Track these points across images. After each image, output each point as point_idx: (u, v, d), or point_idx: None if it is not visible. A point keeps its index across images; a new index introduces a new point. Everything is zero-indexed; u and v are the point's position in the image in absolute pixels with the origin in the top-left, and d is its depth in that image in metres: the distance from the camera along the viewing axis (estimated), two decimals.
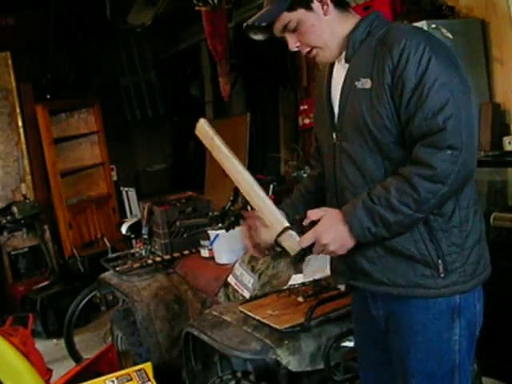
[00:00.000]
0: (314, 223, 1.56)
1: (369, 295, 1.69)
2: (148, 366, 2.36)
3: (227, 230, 2.82)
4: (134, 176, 7.28)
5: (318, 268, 2.42)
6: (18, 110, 5.60)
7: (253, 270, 2.66)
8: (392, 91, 1.51)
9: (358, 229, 1.51)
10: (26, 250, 5.51)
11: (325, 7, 1.61)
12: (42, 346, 3.95)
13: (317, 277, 2.36)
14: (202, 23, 4.68)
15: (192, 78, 7.38)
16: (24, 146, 5.64)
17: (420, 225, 1.53)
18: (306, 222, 1.59)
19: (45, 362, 2.91)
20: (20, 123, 5.62)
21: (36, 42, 5.95)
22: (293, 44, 1.69)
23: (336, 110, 1.67)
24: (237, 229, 2.87)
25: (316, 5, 1.61)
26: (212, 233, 2.96)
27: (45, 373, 2.71)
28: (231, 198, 3.24)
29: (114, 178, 6.47)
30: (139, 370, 2.33)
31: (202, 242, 3.12)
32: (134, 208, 5.36)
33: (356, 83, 1.59)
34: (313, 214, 1.58)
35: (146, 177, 7.39)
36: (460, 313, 1.56)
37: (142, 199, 4.00)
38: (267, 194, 3.30)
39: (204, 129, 1.81)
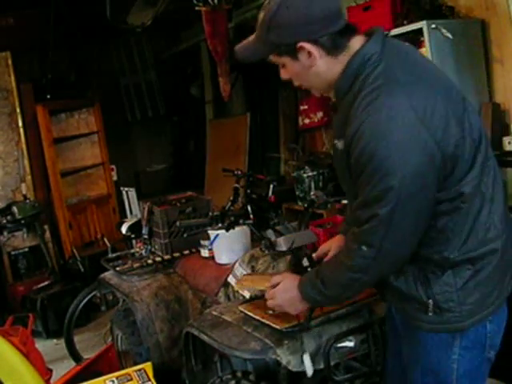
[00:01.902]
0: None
1: None
2: (148, 366, 2.35)
3: (227, 230, 2.82)
4: (134, 176, 7.29)
5: None
6: (18, 110, 5.60)
7: (253, 270, 2.66)
8: (350, 168, 1.53)
9: (305, 296, 1.71)
10: (26, 250, 5.50)
11: (312, 58, 1.53)
12: (42, 346, 3.95)
13: None
14: (202, 23, 4.69)
15: (192, 78, 7.38)
16: (24, 146, 5.64)
17: (414, 267, 1.57)
18: (267, 290, 1.89)
19: (45, 362, 2.90)
20: (20, 123, 5.62)
21: (36, 42, 5.95)
22: (283, 76, 1.65)
23: None
24: (237, 229, 2.87)
25: (303, 56, 1.53)
26: (212, 233, 2.96)
27: (45, 373, 2.71)
28: (231, 198, 3.24)
29: (114, 177, 6.47)
30: (139, 370, 2.33)
31: (202, 242, 3.12)
32: (134, 208, 5.36)
33: (335, 141, 1.61)
34: (273, 280, 1.87)
35: (146, 177, 7.39)
36: (463, 333, 1.55)
37: (142, 199, 4.00)
38: (267, 194, 3.31)
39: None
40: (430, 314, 1.55)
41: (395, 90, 1.44)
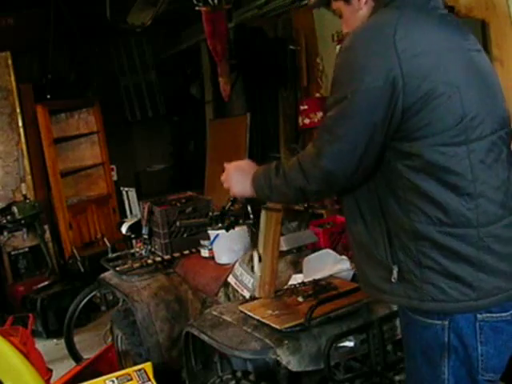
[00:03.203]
0: None
1: None
2: (148, 366, 2.35)
3: (227, 230, 2.82)
4: (134, 176, 7.29)
5: (318, 268, 2.42)
6: (18, 110, 5.60)
7: (253, 269, 2.66)
8: None
9: (255, 179, 1.73)
10: (26, 249, 5.50)
11: (361, 1, 1.58)
12: (42, 346, 3.95)
13: (317, 277, 2.36)
14: (202, 23, 4.69)
15: (192, 78, 7.38)
16: (24, 146, 5.63)
17: (383, 226, 1.52)
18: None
19: (45, 362, 2.91)
20: (20, 123, 5.62)
21: (36, 42, 5.96)
22: (343, 28, 1.69)
23: None
24: (237, 229, 2.87)
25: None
26: (212, 233, 2.96)
27: (45, 373, 2.71)
28: (231, 198, 3.23)
29: (114, 177, 6.47)
30: (139, 370, 2.33)
31: (202, 242, 3.12)
32: (134, 208, 5.35)
33: None
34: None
35: (146, 177, 7.40)
36: (450, 351, 1.48)
37: (142, 199, 4.00)
38: None
39: None
40: (394, 280, 1.50)
41: (398, 19, 1.45)
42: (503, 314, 1.48)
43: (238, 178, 1.81)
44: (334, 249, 2.53)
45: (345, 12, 1.63)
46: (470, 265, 1.44)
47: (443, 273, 1.45)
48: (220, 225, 2.92)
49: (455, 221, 1.44)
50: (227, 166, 1.88)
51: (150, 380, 2.28)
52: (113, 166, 6.43)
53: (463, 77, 1.46)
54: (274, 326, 2.02)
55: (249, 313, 2.17)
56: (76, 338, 4.03)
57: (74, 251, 5.65)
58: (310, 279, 2.36)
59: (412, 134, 1.43)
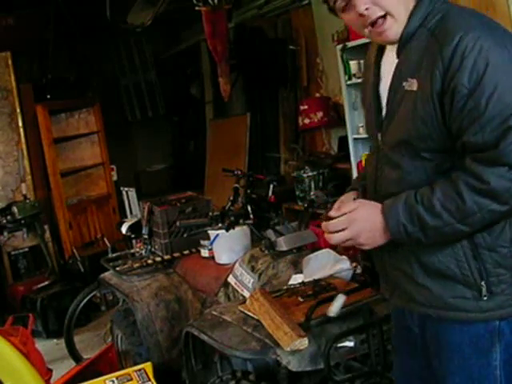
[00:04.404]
0: None
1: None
2: (148, 366, 2.36)
3: (227, 230, 2.82)
4: (134, 176, 7.29)
5: (318, 268, 2.42)
6: (18, 110, 5.61)
7: (253, 270, 2.66)
8: (442, 99, 1.32)
9: (393, 223, 1.36)
10: (26, 249, 5.50)
11: None
12: (42, 346, 3.95)
13: (317, 277, 2.36)
14: (202, 23, 4.69)
15: (192, 78, 7.39)
16: (24, 146, 5.64)
17: (464, 241, 1.37)
18: (335, 215, 1.43)
19: (45, 362, 2.90)
20: (20, 123, 5.62)
21: (36, 42, 5.96)
22: (362, 4, 1.38)
23: (384, 108, 1.49)
24: (237, 229, 2.87)
25: None
26: (212, 233, 2.96)
27: (45, 373, 2.71)
28: (231, 198, 3.24)
29: (114, 177, 6.47)
30: (139, 370, 2.33)
31: (202, 242, 3.12)
32: (134, 208, 5.36)
33: (404, 84, 1.40)
34: (346, 207, 1.44)
35: (146, 177, 7.40)
36: (500, 336, 1.41)
37: (142, 199, 4.00)
38: (267, 194, 3.32)
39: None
40: (481, 297, 1.38)
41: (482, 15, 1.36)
42: None
43: (368, 232, 1.41)
44: (334, 249, 2.53)
45: None
46: None
47: None
48: (220, 225, 2.93)
49: None
50: (348, 220, 1.41)
51: (149, 380, 2.28)
52: (113, 166, 6.43)
53: None
54: None
55: (249, 313, 2.17)
56: (76, 338, 4.03)
57: (74, 251, 5.65)
58: (310, 279, 2.36)
59: None
